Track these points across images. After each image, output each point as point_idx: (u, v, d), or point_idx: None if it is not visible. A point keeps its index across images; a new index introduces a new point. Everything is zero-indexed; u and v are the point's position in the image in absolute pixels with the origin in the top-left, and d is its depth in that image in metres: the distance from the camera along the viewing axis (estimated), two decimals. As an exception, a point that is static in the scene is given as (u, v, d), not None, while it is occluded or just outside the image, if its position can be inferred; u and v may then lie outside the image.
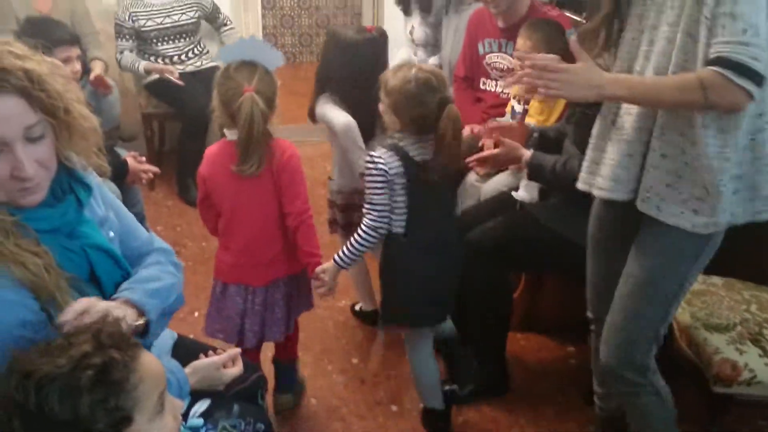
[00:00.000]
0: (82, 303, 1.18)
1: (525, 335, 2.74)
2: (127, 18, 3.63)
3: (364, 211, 2.03)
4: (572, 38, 1.65)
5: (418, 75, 1.95)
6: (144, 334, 1.31)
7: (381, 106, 2.04)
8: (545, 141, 2.30)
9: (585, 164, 1.77)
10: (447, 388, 2.29)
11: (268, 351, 2.34)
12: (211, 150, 2.09)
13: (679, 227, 1.59)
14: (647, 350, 1.76)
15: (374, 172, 1.98)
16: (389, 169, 1.96)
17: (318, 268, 2.05)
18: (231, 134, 2.02)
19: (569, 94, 1.57)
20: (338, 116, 2.47)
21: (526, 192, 2.34)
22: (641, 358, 1.77)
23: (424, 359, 2.21)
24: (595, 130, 1.75)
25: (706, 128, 1.50)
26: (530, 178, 2.27)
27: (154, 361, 1.10)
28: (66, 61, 2.59)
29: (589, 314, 2.03)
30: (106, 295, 1.29)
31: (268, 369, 2.28)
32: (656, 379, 1.81)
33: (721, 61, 1.41)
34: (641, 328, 1.74)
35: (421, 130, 1.98)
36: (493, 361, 2.44)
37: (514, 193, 2.38)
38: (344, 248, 2.06)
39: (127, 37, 3.67)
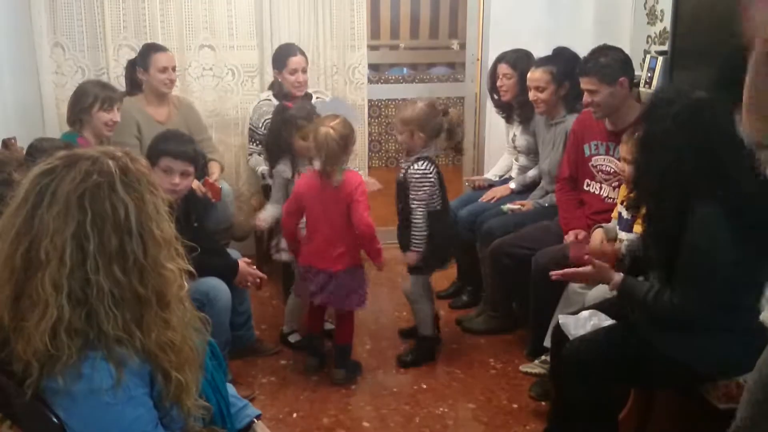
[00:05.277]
0: None
1: (635, 457, 2.54)
2: (260, 125, 3.75)
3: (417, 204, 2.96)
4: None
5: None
6: None
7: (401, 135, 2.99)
8: (636, 262, 2.24)
9: None
10: None
11: None
12: (305, 175, 3.02)
13: None
14: None
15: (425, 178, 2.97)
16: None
17: (409, 259, 3.04)
18: (316, 164, 2.91)
19: None
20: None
21: (576, 331, 2.29)
22: None
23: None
24: None
25: None
26: (620, 302, 2.24)
27: None
28: (167, 171, 2.66)
29: None
30: None
31: None
32: None
33: None
34: None
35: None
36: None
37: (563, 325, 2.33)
38: (413, 238, 2.98)
39: (258, 141, 3.77)
